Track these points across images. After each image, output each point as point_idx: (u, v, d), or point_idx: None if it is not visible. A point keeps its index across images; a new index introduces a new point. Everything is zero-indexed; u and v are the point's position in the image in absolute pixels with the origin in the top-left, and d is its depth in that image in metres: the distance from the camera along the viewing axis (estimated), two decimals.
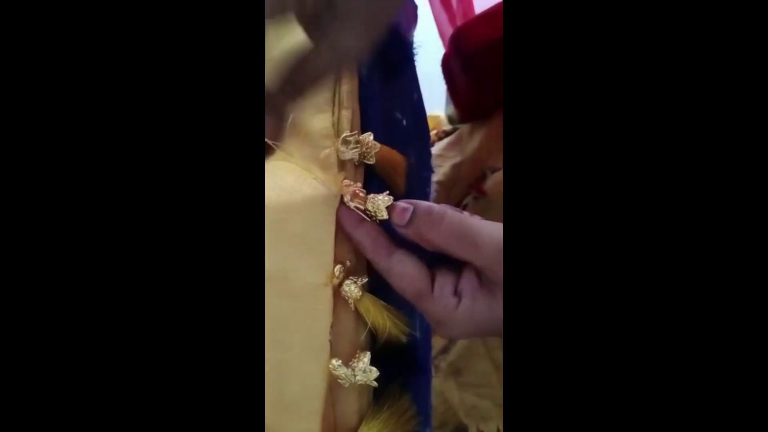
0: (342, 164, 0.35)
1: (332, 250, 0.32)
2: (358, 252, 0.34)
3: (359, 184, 0.33)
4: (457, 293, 0.31)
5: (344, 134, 0.34)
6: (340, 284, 0.32)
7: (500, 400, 0.56)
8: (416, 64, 0.45)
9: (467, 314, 0.30)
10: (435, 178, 0.63)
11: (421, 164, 0.49)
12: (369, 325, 0.33)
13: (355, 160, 0.35)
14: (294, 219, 0.33)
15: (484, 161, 0.62)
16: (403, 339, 0.33)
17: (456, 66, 0.58)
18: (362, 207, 0.32)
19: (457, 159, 0.63)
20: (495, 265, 0.29)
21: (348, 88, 0.35)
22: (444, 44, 0.60)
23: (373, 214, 0.32)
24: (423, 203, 0.31)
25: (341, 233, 0.33)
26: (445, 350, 0.61)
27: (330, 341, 0.32)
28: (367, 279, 0.33)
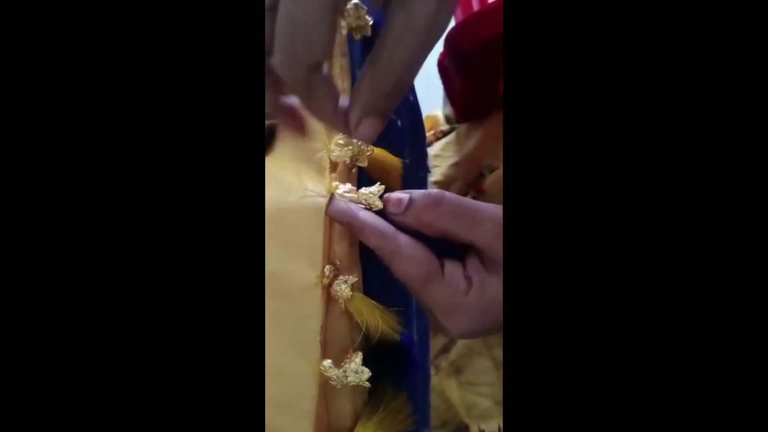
0: (334, 167, 0.35)
1: (323, 250, 0.32)
2: (348, 252, 0.34)
3: (349, 185, 0.34)
4: (466, 276, 0.30)
5: (337, 136, 0.34)
6: (330, 284, 0.32)
7: (501, 399, 0.56)
8: None
9: (478, 297, 0.30)
10: (433, 178, 0.63)
11: (418, 165, 0.49)
12: (360, 324, 0.33)
13: (348, 162, 0.35)
14: (284, 220, 0.33)
15: (481, 160, 0.62)
16: (396, 337, 0.33)
17: (451, 65, 0.58)
18: (356, 200, 0.32)
19: (454, 158, 0.63)
20: (496, 244, 0.29)
21: (342, 87, 0.36)
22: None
23: (367, 206, 0.32)
24: (419, 190, 0.31)
25: (332, 233, 0.33)
26: (445, 350, 0.61)
27: (321, 342, 0.32)
28: (357, 279, 0.33)
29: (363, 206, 0.32)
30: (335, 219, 0.33)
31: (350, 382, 0.32)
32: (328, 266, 0.33)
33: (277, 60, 0.24)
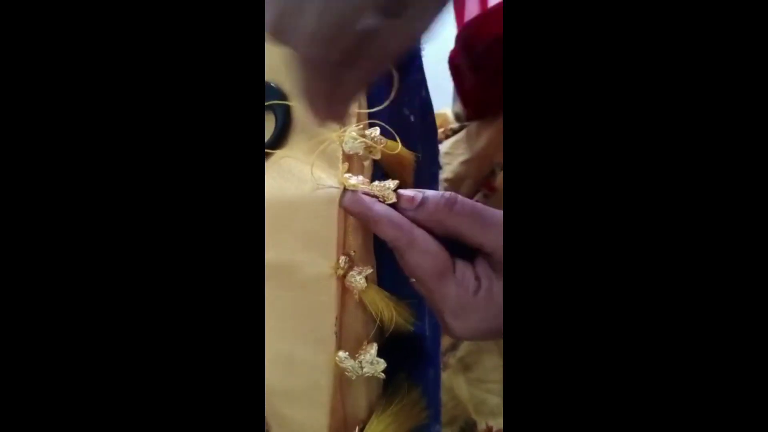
0: (349, 159, 0.35)
1: (337, 242, 0.32)
2: (362, 243, 0.34)
3: (361, 177, 0.34)
4: (476, 277, 0.31)
5: (350, 128, 0.34)
6: (345, 275, 0.33)
7: None
8: (423, 61, 0.45)
9: (486, 298, 0.30)
10: (443, 175, 0.63)
11: (429, 160, 0.49)
12: (375, 316, 0.33)
13: (360, 154, 0.35)
14: (298, 212, 0.33)
15: (492, 158, 0.62)
16: (410, 329, 0.33)
17: (463, 63, 0.58)
18: (370, 192, 0.32)
19: (465, 156, 0.63)
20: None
21: None
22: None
23: (382, 199, 0.32)
24: (432, 191, 0.32)
25: (347, 224, 0.33)
26: (454, 347, 0.61)
27: (336, 333, 0.32)
28: (371, 270, 0.33)
29: (377, 199, 0.32)
30: (349, 210, 0.33)
31: (365, 373, 0.32)
32: (342, 257, 0.33)
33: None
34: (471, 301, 0.30)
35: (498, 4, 0.53)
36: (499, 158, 0.60)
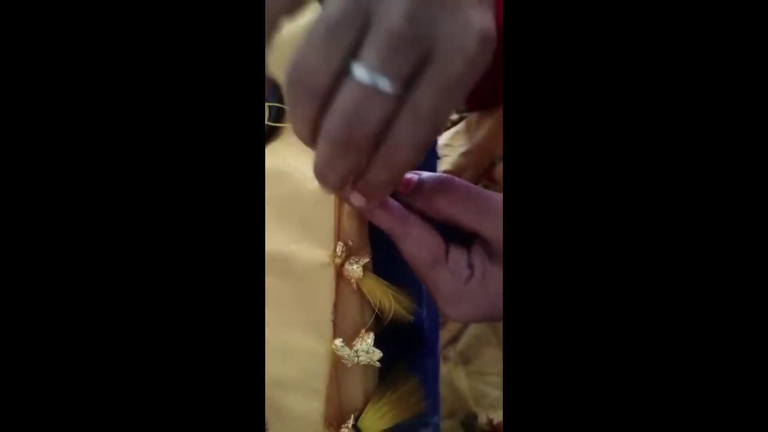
0: None
1: (334, 230, 0.32)
2: (358, 232, 0.33)
3: None
4: (470, 265, 0.30)
5: None
6: (343, 264, 0.32)
7: None
8: None
9: (478, 287, 0.30)
10: (443, 167, 0.63)
11: (428, 150, 0.48)
12: (373, 304, 0.33)
13: None
14: (295, 200, 0.33)
15: (492, 149, 0.61)
16: (408, 317, 0.33)
17: None
18: None
19: (465, 147, 0.62)
20: (501, 236, 0.29)
21: None
22: None
23: None
24: (429, 173, 0.31)
25: (342, 213, 0.33)
26: (454, 340, 0.60)
27: (333, 321, 0.32)
28: (368, 259, 0.33)
29: None
30: (346, 199, 0.32)
31: (361, 361, 0.32)
32: (339, 245, 0.32)
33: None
34: (463, 289, 0.30)
35: None
36: (499, 150, 0.60)
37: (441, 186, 0.30)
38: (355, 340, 0.32)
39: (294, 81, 0.23)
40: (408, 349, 0.36)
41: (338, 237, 0.33)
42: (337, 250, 0.32)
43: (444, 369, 0.58)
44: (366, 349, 0.32)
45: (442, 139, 0.65)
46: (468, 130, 0.63)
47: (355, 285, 0.33)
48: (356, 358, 0.32)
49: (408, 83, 0.22)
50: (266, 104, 0.36)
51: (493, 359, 0.57)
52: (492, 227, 0.29)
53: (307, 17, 0.34)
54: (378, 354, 0.32)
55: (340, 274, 0.33)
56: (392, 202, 0.31)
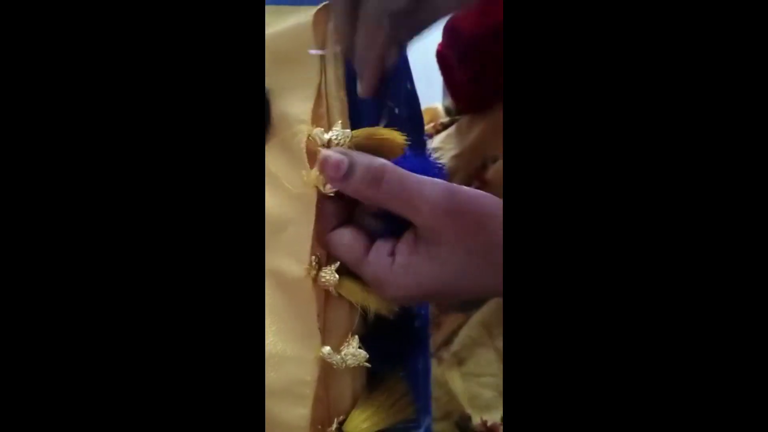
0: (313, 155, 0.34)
1: (309, 244, 0.33)
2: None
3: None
4: (392, 254, 0.31)
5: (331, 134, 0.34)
6: (316, 276, 0.33)
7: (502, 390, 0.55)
8: (408, 53, 0.45)
9: (401, 272, 0.30)
10: None
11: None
12: (355, 305, 0.33)
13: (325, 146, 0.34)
14: (284, 216, 0.33)
15: (484, 151, 0.62)
16: (392, 312, 0.33)
17: (452, 55, 0.58)
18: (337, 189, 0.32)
19: (456, 150, 0.63)
20: (431, 224, 0.29)
21: (335, 76, 0.36)
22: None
23: (321, 187, 0.32)
24: (361, 157, 0.31)
25: (317, 227, 0.33)
26: (447, 342, 0.61)
27: (320, 329, 0.33)
28: (338, 264, 0.33)
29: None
30: None
31: (350, 364, 0.32)
32: (313, 258, 0.33)
33: None
34: (385, 276, 0.31)
35: None
36: (490, 151, 0.60)
37: (371, 178, 0.30)
38: (342, 344, 0.33)
39: None
40: (397, 350, 0.36)
41: (312, 250, 0.33)
42: (311, 262, 0.33)
43: (438, 371, 0.58)
44: (353, 353, 0.32)
45: (434, 143, 0.65)
46: (459, 133, 0.63)
47: (334, 292, 0.33)
48: (345, 363, 0.32)
49: None
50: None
51: (487, 360, 0.57)
52: (420, 216, 0.30)
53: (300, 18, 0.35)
54: (364, 355, 0.32)
55: (318, 285, 0.33)
56: (324, 212, 0.33)
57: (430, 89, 0.70)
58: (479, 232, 0.29)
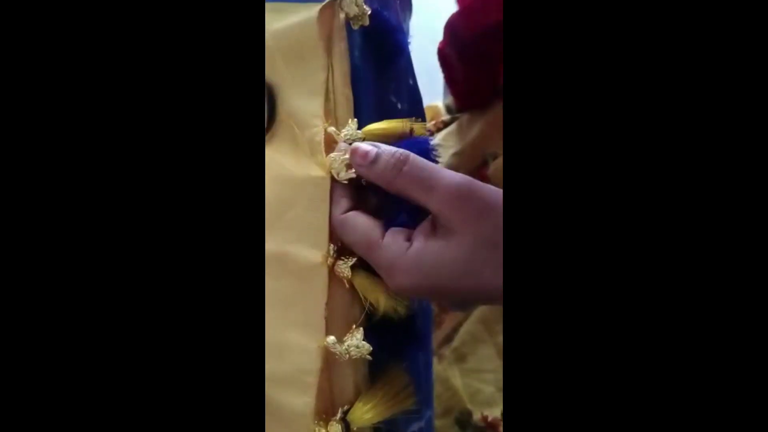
0: (328, 145, 0.35)
1: (327, 230, 0.33)
2: None
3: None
4: (409, 239, 0.31)
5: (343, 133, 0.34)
6: (334, 264, 0.33)
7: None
8: (411, 52, 0.46)
9: (415, 257, 0.30)
10: None
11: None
12: (364, 301, 0.33)
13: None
14: (290, 202, 0.33)
15: (485, 148, 0.62)
16: (401, 312, 0.33)
17: (453, 54, 0.58)
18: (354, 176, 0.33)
19: (457, 148, 0.63)
20: (447, 210, 0.30)
21: (341, 72, 0.36)
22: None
23: (335, 174, 0.33)
24: (387, 147, 0.32)
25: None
26: (448, 339, 0.61)
27: (325, 318, 0.33)
28: (356, 258, 0.33)
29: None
30: None
31: (353, 356, 0.32)
32: (332, 246, 0.33)
33: None
34: (398, 260, 0.31)
35: None
36: (490, 148, 0.60)
37: (395, 162, 0.31)
38: (346, 335, 0.33)
39: None
40: (400, 343, 0.36)
41: (331, 238, 0.33)
42: (330, 250, 0.33)
43: (439, 367, 0.59)
44: (356, 344, 0.32)
45: (435, 140, 0.66)
46: (460, 130, 0.64)
47: (347, 283, 0.33)
48: (347, 354, 0.32)
49: None
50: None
51: (487, 356, 0.57)
52: (437, 202, 0.30)
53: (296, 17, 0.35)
54: (368, 347, 0.32)
55: (332, 273, 0.33)
56: (336, 195, 0.33)
57: (432, 87, 0.70)
58: (488, 220, 0.30)
